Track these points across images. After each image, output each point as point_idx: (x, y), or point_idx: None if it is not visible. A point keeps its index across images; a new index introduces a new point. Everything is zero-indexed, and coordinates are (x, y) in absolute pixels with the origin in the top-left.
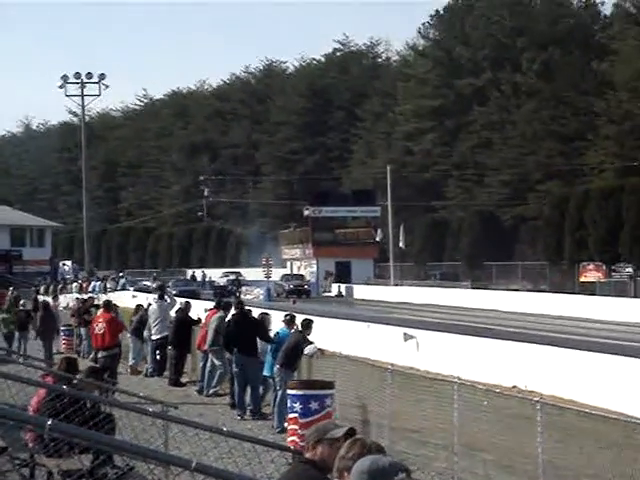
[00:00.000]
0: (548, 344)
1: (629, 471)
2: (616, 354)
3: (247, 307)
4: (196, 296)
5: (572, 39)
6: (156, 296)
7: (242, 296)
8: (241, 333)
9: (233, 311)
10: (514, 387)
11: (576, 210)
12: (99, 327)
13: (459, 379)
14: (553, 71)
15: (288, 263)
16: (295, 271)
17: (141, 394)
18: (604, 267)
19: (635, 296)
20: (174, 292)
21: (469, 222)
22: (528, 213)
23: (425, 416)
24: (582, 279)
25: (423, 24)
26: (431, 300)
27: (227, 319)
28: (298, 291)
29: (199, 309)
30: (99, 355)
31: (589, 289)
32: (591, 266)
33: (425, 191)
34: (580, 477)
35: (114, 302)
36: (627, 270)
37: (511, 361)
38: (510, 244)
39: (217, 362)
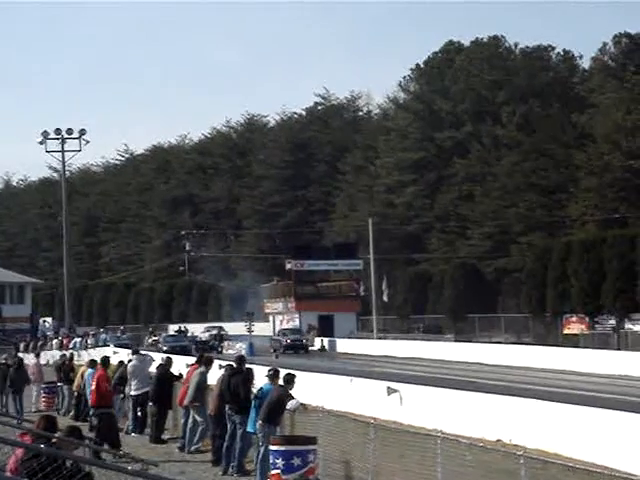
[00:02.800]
0: (532, 397)
1: None
2: (601, 407)
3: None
4: (187, 352)
5: (551, 92)
6: (132, 352)
7: (224, 351)
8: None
9: (230, 366)
10: (498, 441)
11: (558, 262)
12: (95, 385)
13: (442, 433)
14: (533, 124)
15: (270, 317)
16: (278, 326)
17: (121, 452)
18: (587, 319)
19: (618, 348)
20: (165, 348)
21: (451, 275)
22: (510, 265)
23: (409, 471)
24: (565, 331)
25: (404, 77)
26: (414, 353)
27: (224, 374)
28: (296, 346)
29: (180, 364)
30: (95, 412)
31: (572, 341)
32: (574, 318)
33: (407, 244)
34: None
35: (95, 359)
36: (610, 322)
37: (495, 414)
38: (493, 296)
39: (199, 418)
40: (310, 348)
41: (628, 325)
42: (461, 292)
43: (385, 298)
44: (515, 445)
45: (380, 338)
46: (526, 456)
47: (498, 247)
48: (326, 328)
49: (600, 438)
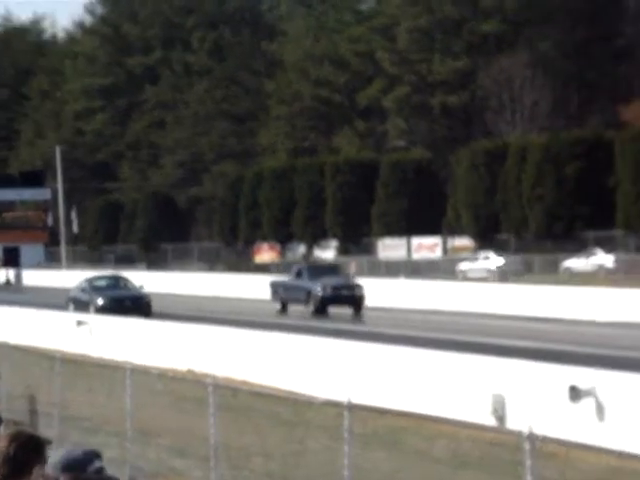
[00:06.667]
0: (222, 325)
1: (299, 448)
2: (287, 332)
3: None
4: None
5: (241, 19)
6: None
7: None
8: None
9: None
10: (189, 370)
11: (250, 190)
12: None
13: (132, 364)
14: (224, 51)
15: None
16: None
17: None
18: (278, 247)
19: None
20: None
21: (144, 204)
22: (203, 194)
23: (97, 404)
24: (257, 259)
25: (90, 0)
26: None
27: None
28: None
29: None
30: None
31: (264, 269)
32: (265, 246)
33: (97, 172)
34: (251, 456)
35: None
36: (300, 250)
37: (186, 344)
38: (186, 226)
39: None
40: None
41: (317, 252)
42: (153, 221)
43: (75, 228)
44: (205, 374)
45: (69, 269)
46: (215, 384)
47: (191, 176)
48: (11, 260)
49: (286, 364)
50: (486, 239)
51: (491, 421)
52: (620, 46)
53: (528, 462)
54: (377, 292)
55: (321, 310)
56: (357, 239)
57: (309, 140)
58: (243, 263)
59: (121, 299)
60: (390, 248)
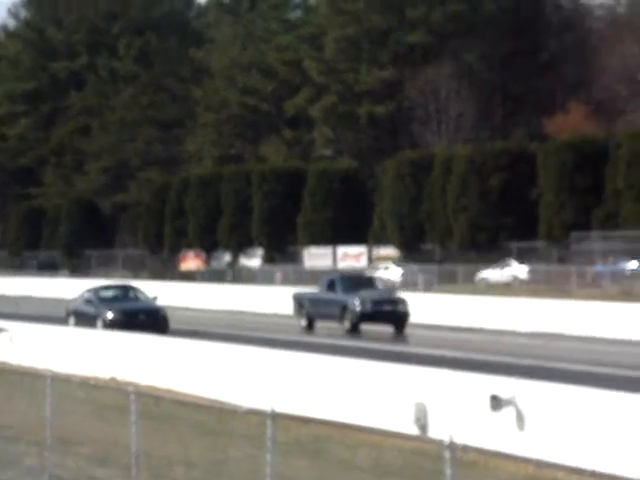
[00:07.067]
0: (144, 334)
1: (222, 457)
2: (210, 340)
3: None
4: None
5: (168, 25)
6: None
7: None
8: None
9: None
10: (112, 378)
11: (176, 198)
12: None
13: (53, 372)
14: (150, 57)
15: None
16: None
17: None
18: (203, 255)
19: (234, 282)
20: None
21: (67, 210)
22: (128, 200)
23: (17, 412)
24: (182, 267)
25: (13, 3)
26: (28, 291)
27: None
28: None
29: None
30: None
31: (189, 277)
32: (191, 254)
33: (20, 178)
34: (174, 465)
35: None
36: (225, 258)
37: (109, 352)
38: (110, 232)
39: None
40: None
41: (243, 260)
42: (77, 228)
43: None
44: (128, 382)
45: None
46: (137, 392)
47: (116, 182)
48: None
49: (211, 373)
50: (412, 249)
51: (414, 430)
52: (544, 60)
53: (448, 471)
54: None
55: (356, 328)
56: (283, 248)
57: (236, 148)
58: (168, 271)
59: (134, 312)
60: (316, 257)
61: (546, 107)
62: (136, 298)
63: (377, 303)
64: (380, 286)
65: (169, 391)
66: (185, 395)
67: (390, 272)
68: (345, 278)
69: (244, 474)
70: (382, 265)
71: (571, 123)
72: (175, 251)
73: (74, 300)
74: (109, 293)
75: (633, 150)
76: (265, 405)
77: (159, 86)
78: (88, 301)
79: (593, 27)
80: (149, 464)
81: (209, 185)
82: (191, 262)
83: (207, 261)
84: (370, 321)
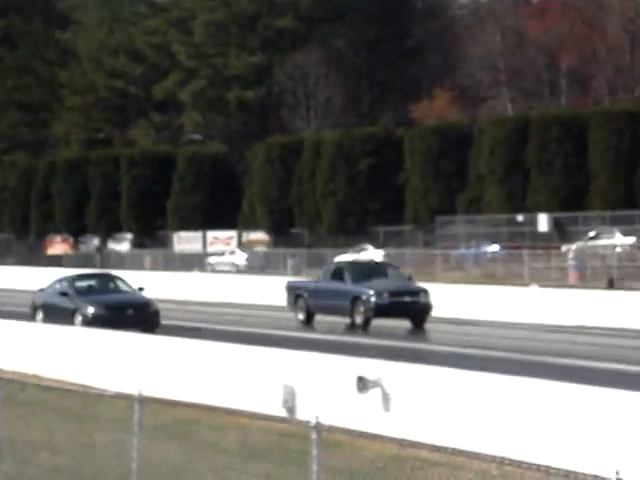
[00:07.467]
0: (14, 318)
1: (88, 441)
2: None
3: None
4: None
5: (32, 7)
6: None
7: None
8: None
9: None
10: None
11: (42, 182)
12: None
13: None
14: (14, 39)
15: None
16: None
17: None
18: (71, 239)
19: (102, 267)
20: None
21: None
22: None
23: None
24: (49, 252)
25: None
26: None
27: None
28: None
29: None
30: None
31: (56, 262)
32: (58, 238)
33: None
34: (39, 451)
35: None
36: (94, 242)
37: None
38: None
39: None
40: None
41: (111, 245)
42: None
43: None
44: None
45: None
46: (3, 378)
47: None
48: None
49: (78, 358)
50: (281, 233)
51: (282, 412)
52: (409, 46)
53: (314, 451)
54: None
55: (368, 323)
56: (152, 232)
57: (104, 132)
58: (35, 256)
59: (120, 307)
60: (185, 241)
61: (412, 93)
62: (118, 289)
63: (395, 294)
64: (394, 274)
65: (36, 376)
66: (53, 381)
67: (236, 257)
68: (354, 265)
69: (110, 458)
70: (228, 249)
71: (436, 109)
72: (42, 236)
73: (42, 292)
74: (87, 283)
75: (495, 136)
76: (133, 389)
77: (24, 69)
78: (62, 293)
79: (457, 15)
80: (13, 450)
81: (76, 169)
82: (58, 247)
83: (75, 246)
84: (387, 315)
